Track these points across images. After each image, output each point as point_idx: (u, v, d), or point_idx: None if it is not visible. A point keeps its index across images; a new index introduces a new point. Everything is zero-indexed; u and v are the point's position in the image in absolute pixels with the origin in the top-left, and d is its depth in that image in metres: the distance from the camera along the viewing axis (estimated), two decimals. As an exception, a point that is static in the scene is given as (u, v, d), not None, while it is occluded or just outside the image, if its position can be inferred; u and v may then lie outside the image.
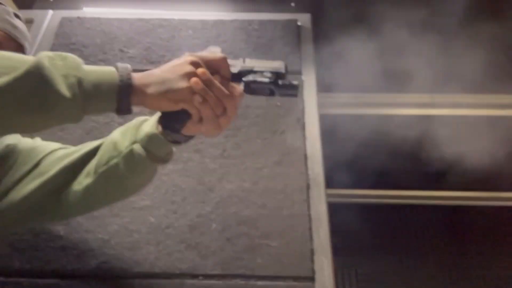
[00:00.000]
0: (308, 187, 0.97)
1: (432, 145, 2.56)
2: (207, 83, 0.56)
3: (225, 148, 1.03)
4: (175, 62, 0.58)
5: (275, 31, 1.26)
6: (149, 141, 0.63)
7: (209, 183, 0.98)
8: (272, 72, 0.62)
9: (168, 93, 0.55)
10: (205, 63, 0.58)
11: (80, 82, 0.51)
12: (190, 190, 0.97)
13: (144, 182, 0.72)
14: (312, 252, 0.88)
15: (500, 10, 1.67)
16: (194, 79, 0.55)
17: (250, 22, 1.27)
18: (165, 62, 1.18)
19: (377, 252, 2.73)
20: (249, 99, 1.12)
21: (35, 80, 0.49)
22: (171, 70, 0.56)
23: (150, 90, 0.55)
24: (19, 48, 0.73)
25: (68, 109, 0.51)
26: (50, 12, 1.30)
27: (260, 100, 1.12)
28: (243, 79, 0.62)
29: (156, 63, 1.18)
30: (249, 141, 1.04)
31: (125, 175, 0.66)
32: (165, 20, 1.27)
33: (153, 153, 0.64)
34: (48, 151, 0.73)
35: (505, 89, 2.03)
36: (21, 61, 0.49)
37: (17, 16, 0.76)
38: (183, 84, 0.55)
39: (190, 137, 0.65)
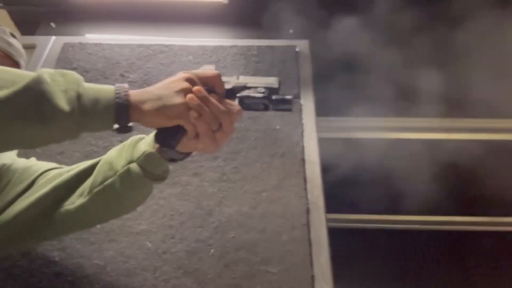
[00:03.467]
0: (308, 211, 0.96)
1: (431, 169, 2.56)
2: (202, 99, 0.57)
3: (224, 171, 1.03)
4: (171, 79, 0.58)
5: (274, 57, 1.28)
6: (146, 159, 0.63)
7: (207, 207, 0.97)
8: (265, 88, 0.63)
9: (163, 109, 0.55)
10: (200, 80, 0.59)
11: (79, 97, 0.52)
12: (188, 215, 0.96)
13: (139, 201, 0.72)
14: (312, 279, 0.86)
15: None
16: (189, 95, 0.56)
17: (249, 48, 1.30)
18: (165, 86, 1.20)
19: (379, 279, 2.68)
20: (248, 123, 1.13)
21: (35, 94, 0.49)
22: (167, 87, 0.57)
23: (146, 106, 0.55)
24: (15, 65, 0.75)
25: (66, 123, 0.51)
26: (53, 38, 1.32)
27: (259, 124, 1.12)
28: (237, 95, 0.63)
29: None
30: (248, 165, 1.04)
31: (121, 194, 0.66)
32: (166, 46, 1.29)
33: (149, 171, 0.64)
34: (42, 171, 0.73)
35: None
36: (22, 75, 0.50)
37: (13, 35, 0.78)
38: (178, 100, 0.56)
39: (186, 155, 0.65)
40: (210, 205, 0.97)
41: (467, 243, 2.80)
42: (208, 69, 0.61)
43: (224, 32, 1.48)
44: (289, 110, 0.64)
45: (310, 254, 0.89)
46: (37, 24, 1.48)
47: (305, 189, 1.00)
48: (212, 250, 0.90)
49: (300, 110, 1.15)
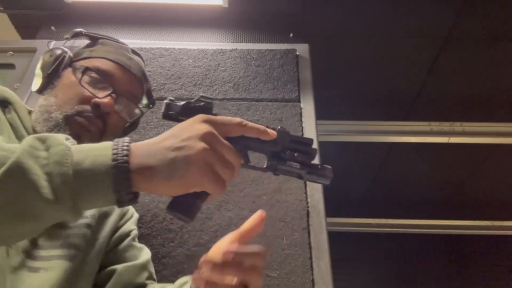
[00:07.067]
0: (308, 214, 0.96)
1: (434, 174, 2.56)
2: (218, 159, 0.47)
3: (224, 175, 1.03)
4: (185, 131, 0.47)
5: (274, 60, 1.28)
6: None
7: (207, 210, 0.97)
8: (303, 153, 0.54)
9: (178, 180, 0.45)
10: (221, 129, 0.48)
11: (66, 178, 0.42)
12: (188, 218, 0.95)
13: None
14: (313, 283, 0.85)
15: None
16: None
17: (249, 52, 1.30)
18: (166, 90, 1.20)
19: (378, 282, 2.67)
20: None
21: (15, 186, 0.41)
22: (179, 146, 0.45)
23: (157, 176, 0.44)
24: (132, 76, 0.78)
25: (56, 212, 0.43)
26: (53, 41, 1.32)
27: (259, 128, 1.12)
28: (270, 161, 0.55)
29: (157, 90, 1.19)
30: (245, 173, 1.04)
31: None
32: (166, 49, 1.30)
33: None
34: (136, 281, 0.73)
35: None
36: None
37: (135, 52, 0.84)
38: (194, 168, 0.45)
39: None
40: (210, 208, 0.97)
41: (467, 247, 2.79)
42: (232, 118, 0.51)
43: (224, 35, 1.48)
44: (326, 184, 0.55)
45: (310, 258, 0.89)
46: (38, 28, 1.48)
47: (305, 192, 0.99)
48: (212, 254, 0.90)
49: (300, 114, 1.15)
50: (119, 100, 0.74)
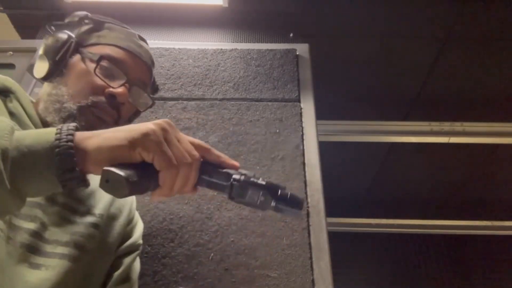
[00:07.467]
0: (308, 214, 0.96)
1: (434, 174, 2.56)
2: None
3: (224, 175, 1.03)
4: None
5: (274, 60, 1.28)
6: None
7: (207, 210, 0.97)
8: (269, 182, 0.49)
9: (119, 138, 0.44)
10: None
11: (4, 152, 0.40)
12: (188, 218, 0.95)
13: None
14: (313, 283, 0.85)
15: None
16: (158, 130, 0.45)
17: (249, 52, 1.30)
18: (166, 90, 1.20)
19: (378, 282, 2.67)
20: (248, 126, 1.13)
21: None
22: (129, 125, 0.47)
23: (91, 141, 0.44)
24: (143, 64, 0.77)
25: None
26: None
27: (259, 127, 1.12)
28: (233, 176, 0.49)
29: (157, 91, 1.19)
30: (248, 168, 1.04)
31: None
32: (166, 49, 1.29)
33: None
34: None
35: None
36: None
37: (142, 39, 0.81)
38: (140, 130, 0.44)
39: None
40: (210, 208, 0.97)
41: (467, 247, 2.79)
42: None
43: (224, 35, 1.48)
44: (297, 215, 0.50)
45: (310, 258, 0.88)
46: (38, 27, 1.48)
47: (306, 192, 0.99)
48: (212, 254, 0.90)
49: (300, 114, 1.15)
50: (132, 90, 0.73)
